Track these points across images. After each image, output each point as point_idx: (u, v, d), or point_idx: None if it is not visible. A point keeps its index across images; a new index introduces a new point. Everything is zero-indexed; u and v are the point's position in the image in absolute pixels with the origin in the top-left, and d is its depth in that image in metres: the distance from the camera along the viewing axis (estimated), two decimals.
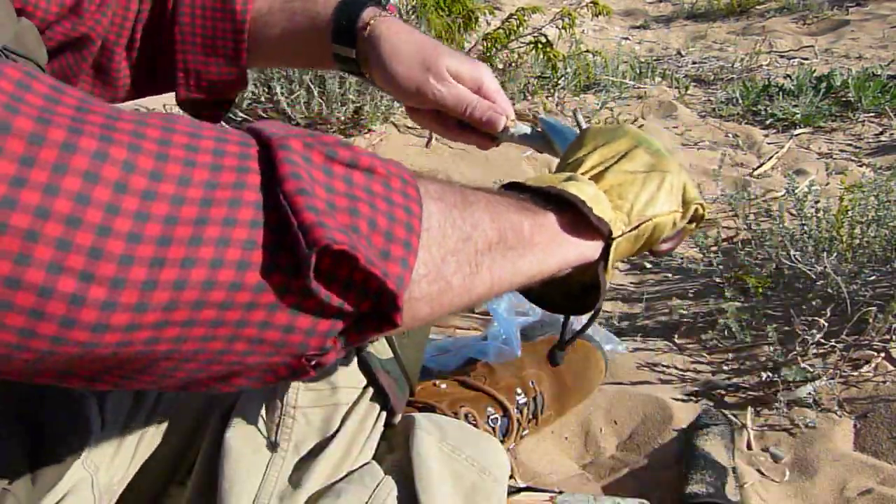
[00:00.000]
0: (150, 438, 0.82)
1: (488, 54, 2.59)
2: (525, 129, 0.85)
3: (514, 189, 0.64)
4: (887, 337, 1.29)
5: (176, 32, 0.85)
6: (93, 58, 0.83)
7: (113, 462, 0.77)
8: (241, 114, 2.25)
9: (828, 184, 2.05)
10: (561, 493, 0.96)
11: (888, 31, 3.56)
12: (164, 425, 0.83)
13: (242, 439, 0.77)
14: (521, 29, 2.60)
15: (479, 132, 0.86)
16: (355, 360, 0.84)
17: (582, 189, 0.63)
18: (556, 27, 2.70)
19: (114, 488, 0.78)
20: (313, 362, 0.46)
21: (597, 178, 0.67)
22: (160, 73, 0.88)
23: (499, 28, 2.61)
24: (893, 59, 3.06)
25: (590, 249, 0.63)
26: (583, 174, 0.68)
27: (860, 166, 2.18)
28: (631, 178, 0.68)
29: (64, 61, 0.82)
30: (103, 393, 0.78)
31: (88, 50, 0.82)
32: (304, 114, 2.22)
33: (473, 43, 2.65)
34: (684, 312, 1.48)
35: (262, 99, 2.22)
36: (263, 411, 0.80)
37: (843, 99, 2.61)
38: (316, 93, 2.20)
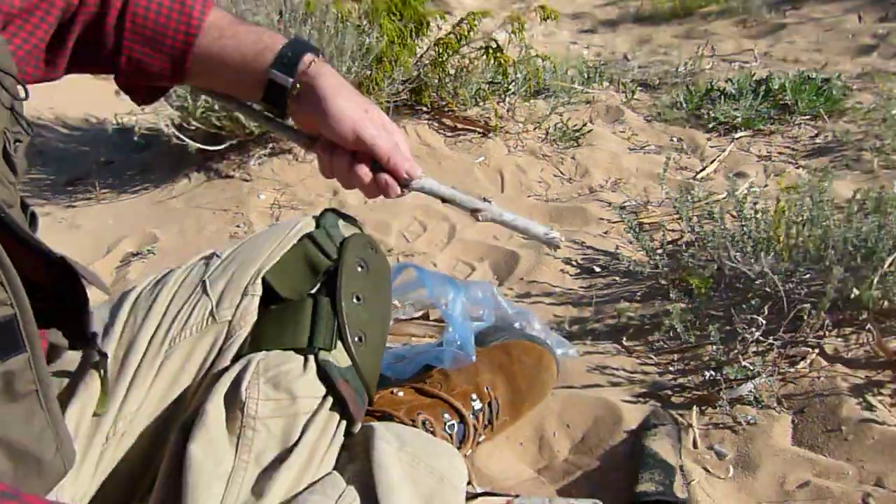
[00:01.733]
0: (111, 455, 0.82)
1: (440, 59, 2.62)
2: (432, 181, 0.94)
3: None
4: (821, 333, 1.36)
5: (128, 18, 0.88)
6: (48, 37, 0.85)
7: (76, 480, 0.77)
8: (194, 122, 2.23)
9: (766, 185, 2.13)
10: (517, 496, 0.99)
11: (822, 34, 3.69)
12: (125, 442, 0.84)
13: (204, 452, 0.78)
14: (471, 34, 2.63)
15: (388, 179, 0.94)
16: (314, 369, 0.86)
17: None
18: (507, 32, 2.74)
19: None
20: None
21: None
22: (102, 54, 0.90)
23: (450, 33, 2.64)
24: (826, 62, 3.19)
25: None
26: None
27: (797, 168, 2.27)
28: None
29: (28, 45, 0.83)
30: (62, 410, 0.79)
31: (44, 31, 0.84)
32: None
33: (425, 48, 2.68)
34: (632, 315, 1.53)
35: (216, 107, 2.21)
36: (224, 423, 0.81)
37: (782, 102, 2.71)
38: None
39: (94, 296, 0.82)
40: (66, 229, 2.22)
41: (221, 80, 0.95)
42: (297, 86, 0.89)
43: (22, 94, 0.69)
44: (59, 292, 0.72)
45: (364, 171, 0.93)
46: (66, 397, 0.81)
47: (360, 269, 0.95)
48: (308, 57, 0.89)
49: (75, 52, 0.90)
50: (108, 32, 0.89)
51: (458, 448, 1.10)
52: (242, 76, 0.91)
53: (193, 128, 2.26)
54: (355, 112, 0.89)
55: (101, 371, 0.82)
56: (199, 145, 2.21)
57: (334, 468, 0.82)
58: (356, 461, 0.82)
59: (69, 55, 0.89)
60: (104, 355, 0.81)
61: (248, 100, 0.97)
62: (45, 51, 0.87)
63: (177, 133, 2.18)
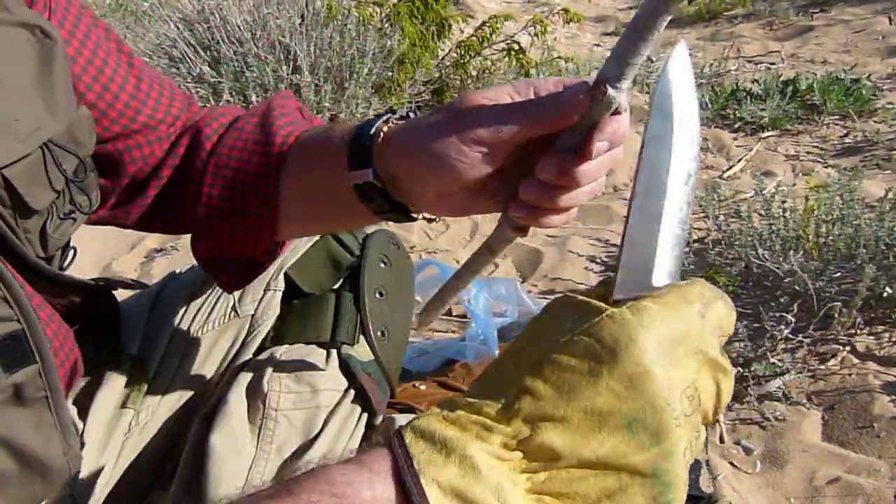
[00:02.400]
0: (133, 444, 0.83)
1: (462, 61, 2.62)
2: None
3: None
4: (852, 331, 1.33)
5: (210, 164, 0.73)
6: (127, 180, 0.75)
7: (97, 467, 0.78)
8: None
9: (794, 185, 2.10)
10: None
11: (851, 36, 3.64)
12: (147, 431, 0.84)
13: (226, 442, 0.78)
14: (493, 36, 2.64)
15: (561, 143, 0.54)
16: (336, 362, 0.86)
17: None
18: (529, 34, 2.74)
19: (97, 494, 0.79)
20: None
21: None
22: (177, 211, 0.76)
23: (472, 35, 2.65)
24: (856, 63, 3.14)
25: None
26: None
27: (825, 167, 2.24)
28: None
29: (101, 180, 0.73)
30: (87, 400, 0.80)
31: (125, 171, 0.74)
32: None
33: (447, 50, 2.68)
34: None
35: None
36: (246, 415, 0.81)
37: (809, 102, 2.68)
38: None
39: (120, 294, 0.83)
40: (89, 227, 2.25)
41: (309, 213, 0.73)
42: (380, 168, 0.61)
43: (81, 176, 0.64)
44: (93, 310, 0.74)
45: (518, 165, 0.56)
46: (92, 388, 0.82)
47: (382, 264, 0.95)
48: (380, 123, 0.63)
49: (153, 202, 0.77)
50: (184, 175, 0.75)
51: None
52: (330, 197, 0.68)
53: None
54: (444, 115, 0.58)
55: (133, 370, 0.83)
56: None
57: None
58: None
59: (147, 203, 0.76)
60: (137, 358, 0.82)
61: (361, 222, 0.76)
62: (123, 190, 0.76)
63: None
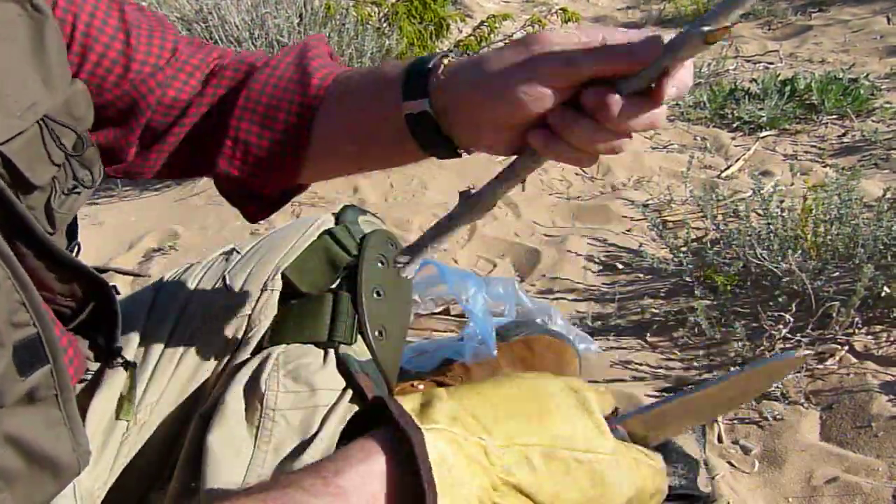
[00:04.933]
0: (131, 445, 0.83)
1: None
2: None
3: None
4: (850, 331, 1.33)
5: (241, 97, 0.73)
6: (140, 129, 0.73)
7: (95, 468, 0.77)
8: None
9: (793, 184, 2.10)
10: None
11: (849, 35, 3.64)
12: (144, 432, 0.84)
13: (223, 442, 0.78)
14: (492, 36, 2.63)
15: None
16: (334, 362, 0.86)
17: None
18: (527, 33, 2.74)
19: (95, 494, 0.79)
20: None
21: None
22: (203, 150, 0.75)
23: (470, 35, 2.64)
24: (854, 62, 3.14)
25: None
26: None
27: (824, 167, 2.24)
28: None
29: (111, 133, 0.73)
30: (86, 401, 0.80)
31: (137, 120, 0.73)
32: None
33: (445, 49, 2.68)
34: (656, 311, 1.51)
35: None
36: (243, 414, 0.81)
37: (807, 102, 2.67)
38: None
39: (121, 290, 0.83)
40: (88, 226, 2.25)
41: (349, 151, 0.73)
42: (437, 95, 0.62)
43: (80, 150, 0.65)
44: (92, 309, 0.74)
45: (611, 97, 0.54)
46: (89, 389, 0.82)
47: (380, 264, 0.95)
48: (438, 61, 0.63)
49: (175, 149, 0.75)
50: (213, 115, 0.74)
51: None
52: (374, 133, 0.69)
53: None
54: (515, 50, 0.58)
55: (127, 376, 0.83)
56: None
57: None
58: None
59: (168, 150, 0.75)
60: (132, 364, 0.82)
61: (400, 158, 0.72)
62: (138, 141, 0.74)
63: None
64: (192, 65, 0.75)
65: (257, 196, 0.79)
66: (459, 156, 0.66)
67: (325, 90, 0.71)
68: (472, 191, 0.62)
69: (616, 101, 0.53)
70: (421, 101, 0.62)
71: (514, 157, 0.61)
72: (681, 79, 0.54)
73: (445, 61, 0.63)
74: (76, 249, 0.76)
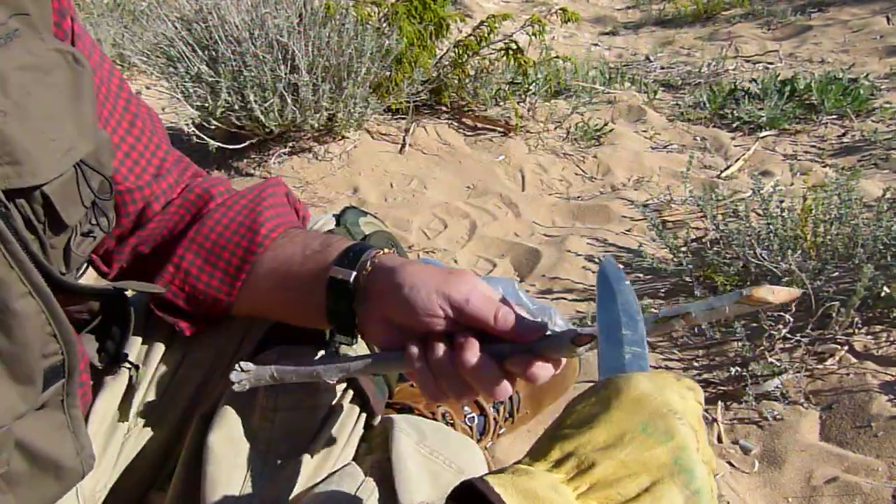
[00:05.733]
0: (131, 445, 0.83)
1: (460, 61, 2.62)
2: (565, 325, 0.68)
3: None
4: (850, 331, 1.33)
5: (192, 229, 0.81)
6: (119, 230, 0.81)
7: (96, 469, 0.77)
8: (214, 122, 2.25)
9: (792, 184, 2.10)
10: None
11: (849, 35, 3.64)
12: (146, 432, 0.84)
13: (224, 442, 0.78)
14: (491, 36, 2.63)
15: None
16: None
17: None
18: (527, 34, 2.73)
19: (97, 496, 0.79)
20: None
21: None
22: (143, 268, 0.82)
23: (470, 35, 2.64)
24: (854, 62, 3.15)
25: None
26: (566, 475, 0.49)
27: (824, 167, 2.24)
28: None
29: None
30: (89, 401, 0.80)
31: (126, 209, 0.80)
32: (277, 121, 2.23)
33: (445, 50, 2.68)
34: (655, 311, 1.51)
35: (236, 107, 2.22)
36: (244, 415, 0.81)
37: (807, 102, 2.68)
38: (290, 100, 2.20)
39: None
40: None
41: (276, 297, 0.80)
42: (362, 275, 0.71)
43: (106, 196, 0.69)
44: (106, 316, 0.77)
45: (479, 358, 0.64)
46: (93, 391, 0.82)
47: None
48: (375, 252, 0.73)
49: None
50: (164, 237, 0.82)
51: (479, 440, 1.09)
52: (299, 282, 0.76)
53: (213, 127, 2.27)
54: (436, 275, 0.67)
55: (129, 378, 0.83)
56: (219, 144, 2.22)
57: (353, 459, 0.82)
58: (375, 453, 0.82)
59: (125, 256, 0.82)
60: (135, 367, 0.83)
61: (312, 317, 0.77)
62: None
63: (197, 132, 2.20)
64: (165, 193, 0.82)
65: (189, 315, 0.84)
66: (354, 337, 0.75)
67: (270, 240, 0.80)
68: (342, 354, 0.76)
69: (475, 348, 0.64)
70: (349, 271, 0.71)
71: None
72: (534, 372, 0.64)
73: (381, 253, 0.73)
74: (85, 266, 0.80)
